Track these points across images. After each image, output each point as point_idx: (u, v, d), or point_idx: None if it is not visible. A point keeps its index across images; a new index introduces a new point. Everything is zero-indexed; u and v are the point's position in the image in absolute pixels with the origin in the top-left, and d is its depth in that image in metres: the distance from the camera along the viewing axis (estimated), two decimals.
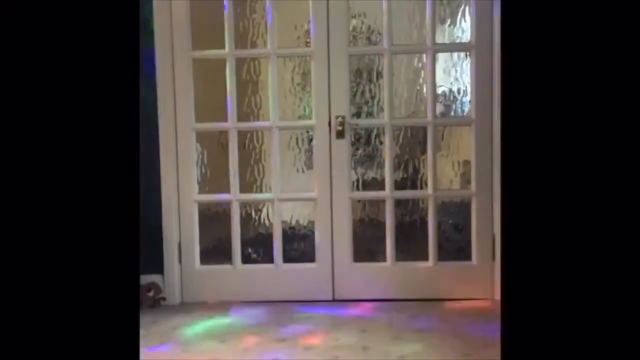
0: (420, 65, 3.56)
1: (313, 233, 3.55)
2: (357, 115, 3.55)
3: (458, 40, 3.57)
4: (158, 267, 3.52)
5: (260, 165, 3.65)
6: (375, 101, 3.56)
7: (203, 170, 3.63)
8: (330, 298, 3.50)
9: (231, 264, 3.57)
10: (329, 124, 3.45)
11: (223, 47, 3.49)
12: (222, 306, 3.44)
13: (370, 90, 3.56)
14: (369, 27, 3.57)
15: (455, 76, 3.58)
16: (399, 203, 3.55)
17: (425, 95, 3.50)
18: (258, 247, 3.66)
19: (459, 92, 3.57)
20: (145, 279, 3.45)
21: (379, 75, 3.53)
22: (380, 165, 3.56)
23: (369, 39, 3.59)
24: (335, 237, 3.49)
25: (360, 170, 3.60)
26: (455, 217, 3.61)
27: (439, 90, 3.57)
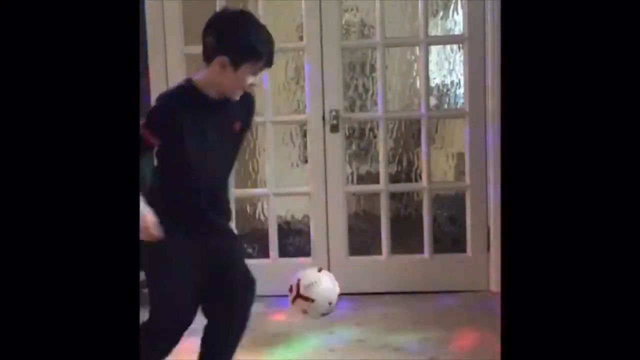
0: (413, 58, 3.57)
1: (308, 227, 3.55)
2: (351, 109, 3.55)
3: (451, 33, 3.57)
4: None
5: (255, 160, 3.66)
6: (369, 95, 3.56)
7: None
8: None
9: None
10: (323, 118, 3.44)
11: None
12: None
13: (363, 84, 3.57)
14: (362, 20, 3.58)
15: (449, 68, 3.59)
16: (393, 196, 3.56)
17: (418, 88, 3.50)
18: (253, 242, 3.67)
19: (452, 85, 3.58)
20: (143, 276, 3.44)
21: (372, 68, 3.53)
22: (375, 159, 3.56)
23: (361, 32, 3.59)
24: (330, 231, 3.49)
25: (354, 163, 3.61)
26: (450, 209, 3.62)
27: (432, 83, 3.57)
